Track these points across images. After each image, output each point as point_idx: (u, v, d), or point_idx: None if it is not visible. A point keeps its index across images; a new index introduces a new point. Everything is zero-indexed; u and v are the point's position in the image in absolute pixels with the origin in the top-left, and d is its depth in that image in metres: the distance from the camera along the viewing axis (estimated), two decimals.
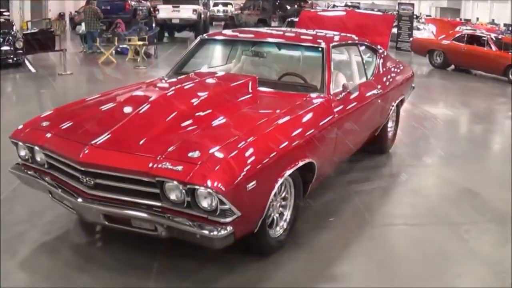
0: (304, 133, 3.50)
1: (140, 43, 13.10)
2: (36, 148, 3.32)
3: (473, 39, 14.26)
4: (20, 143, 3.42)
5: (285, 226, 3.52)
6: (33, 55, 11.64)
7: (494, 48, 13.46)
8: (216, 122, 3.38)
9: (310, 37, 4.76)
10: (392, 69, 5.97)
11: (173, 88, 3.84)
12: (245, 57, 5.19)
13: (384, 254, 3.67)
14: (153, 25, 17.63)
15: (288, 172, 3.23)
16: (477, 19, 40.88)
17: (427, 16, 36.18)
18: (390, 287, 3.25)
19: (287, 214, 3.55)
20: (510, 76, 12.86)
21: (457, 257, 3.72)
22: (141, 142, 3.04)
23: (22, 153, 3.47)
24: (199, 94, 3.71)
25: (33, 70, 11.11)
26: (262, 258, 3.40)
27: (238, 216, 2.80)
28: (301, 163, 3.36)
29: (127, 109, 3.51)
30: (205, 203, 2.76)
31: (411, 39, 17.69)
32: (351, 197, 4.64)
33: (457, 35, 14.86)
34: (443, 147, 6.72)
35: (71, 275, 3.19)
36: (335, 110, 4.06)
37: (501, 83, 13.13)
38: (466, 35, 14.65)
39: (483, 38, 14.07)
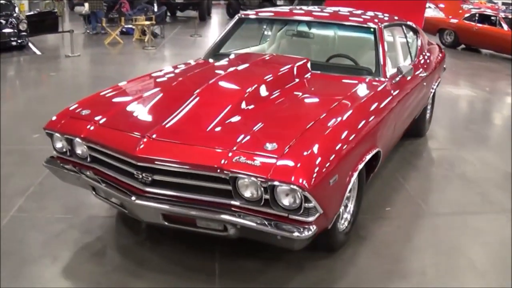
0: (372, 122, 3.26)
1: (148, 23, 12.68)
2: (78, 140, 3.00)
3: (484, 19, 13.98)
4: (57, 135, 3.10)
5: (349, 218, 3.30)
6: (33, 37, 11.22)
7: (506, 27, 13.20)
8: (280, 110, 3.12)
9: (360, 18, 4.47)
10: (430, 50, 5.72)
11: (226, 72, 3.56)
12: (283, 38, 4.90)
13: (449, 245, 3.47)
14: (155, 4, 17.12)
15: (362, 164, 2.99)
16: None
17: None
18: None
19: (351, 206, 3.32)
20: None
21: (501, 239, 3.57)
22: (203, 133, 2.78)
23: (59, 145, 3.15)
24: (256, 78, 3.43)
25: (38, 52, 10.72)
26: (330, 255, 3.18)
27: (320, 213, 2.56)
28: (372, 153, 3.13)
29: (178, 97, 3.21)
30: (286, 201, 2.50)
31: None
32: (400, 184, 4.44)
33: (467, 15, 14.56)
34: (477, 130, 6.52)
35: (123, 281, 2.89)
36: (394, 94, 3.82)
37: (507, 61, 12.93)
38: (476, 14, 14.35)
39: (494, 17, 13.80)
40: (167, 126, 2.84)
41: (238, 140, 2.68)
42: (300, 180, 2.41)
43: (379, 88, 3.70)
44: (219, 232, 2.73)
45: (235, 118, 2.94)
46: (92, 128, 2.99)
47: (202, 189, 2.67)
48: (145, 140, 2.72)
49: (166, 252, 3.17)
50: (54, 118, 3.20)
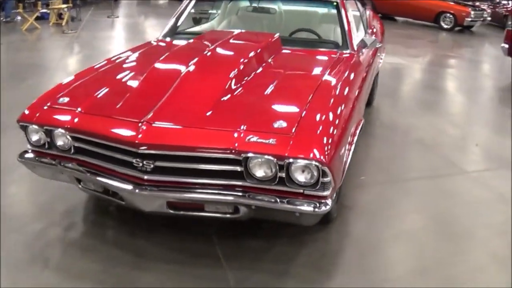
0: (357, 94, 3.32)
1: (64, 6, 11.92)
2: (60, 130, 2.78)
3: None
4: (34, 126, 2.86)
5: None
6: None
7: None
8: (272, 87, 3.07)
9: None
10: (375, 20, 5.91)
11: (206, 53, 3.44)
12: (236, 13, 4.81)
13: (432, 209, 3.64)
14: None
15: (357, 135, 3.05)
16: None
17: None
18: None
19: None
20: (441, 23, 13.46)
21: (490, 202, 3.80)
22: (207, 114, 2.69)
23: (35, 137, 2.91)
24: (238, 57, 3.35)
25: None
26: (324, 227, 3.23)
27: (333, 187, 2.58)
28: (361, 124, 3.20)
29: (163, 79, 3.08)
30: (301, 177, 2.48)
31: None
32: (365, 152, 4.57)
33: None
34: (418, 97, 6.90)
35: (128, 275, 2.75)
36: (363, 65, 3.91)
37: (433, 29, 13.73)
38: None
39: None
40: (162, 110, 2.71)
41: (243, 120, 2.62)
42: (318, 155, 2.40)
43: (352, 61, 3.76)
44: (228, 215, 2.68)
45: (229, 98, 2.86)
46: (77, 117, 2.78)
47: (207, 173, 2.59)
48: (143, 125, 2.57)
49: (162, 241, 3.05)
50: (26, 110, 2.93)
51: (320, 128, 2.58)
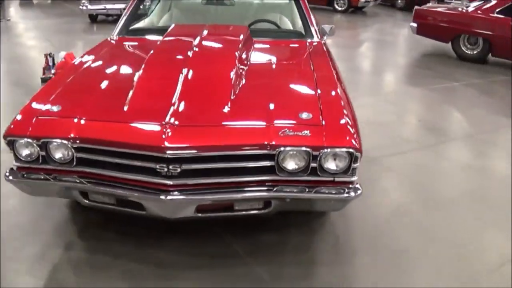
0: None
1: None
2: (62, 141, 2.53)
3: None
4: (26, 140, 2.57)
5: None
6: None
7: None
8: (272, 79, 3.08)
9: None
10: None
11: (194, 48, 3.34)
12: (183, 6, 4.69)
13: (409, 184, 3.90)
14: None
15: None
16: None
17: None
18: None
19: None
20: (335, 5, 14.19)
21: (457, 172, 4.17)
22: (226, 111, 2.63)
23: (26, 152, 2.62)
24: (227, 52, 3.31)
25: None
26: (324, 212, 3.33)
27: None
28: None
29: (163, 77, 2.99)
30: (333, 165, 2.54)
31: None
32: None
33: None
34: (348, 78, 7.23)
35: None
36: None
37: (327, 12, 14.40)
38: None
39: None
40: (180, 110, 2.59)
41: (266, 114, 2.61)
42: (354, 142, 2.49)
43: (324, 48, 3.88)
44: (258, 211, 2.66)
45: (239, 93, 2.82)
46: (80, 125, 2.57)
47: (234, 171, 2.54)
48: (168, 128, 2.45)
49: (175, 248, 2.93)
50: (13, 124, 2.64)
51: (344, 116, 2.66)
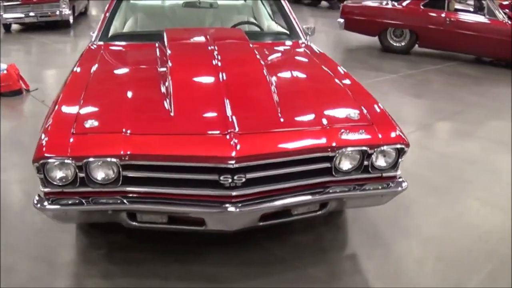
0: None
1: None
2: (109, 160, 2.33)
3: None
4: (64, 161, 2.33)
5: None
6: None
7: None
8: (296, 80, 3.12)
9: None
10: None
11: (215, 51, 3.26)
12: (142, 13, 4.53)
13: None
14: None
15: None
16: None
17: None
18: None
19: None
20: None
21: (438, 160, 4.44)
22: (279, 115, 2.60)
23: (60, 175, 2.38)
24: (250, 54, 3.30)
25: None
26: None
27: None
28: None
29: (200, 84, 2.95)
30: (382, 162, 2.60)
31: None
32: None
33: None
34: None
35: None
36: None
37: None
38: None
39: None
40: (237, 118, 2.50)
41: (317, 116, 2.63)
42: (404, 138, 2.59)
43: (315, 47, 3.95)
44: (314, 213, 2.68)
45: (281, 97, 2.79)
46: (131, 140, 2.39)
47: (293, 175, 2.52)
48: (234, 138, 2.37)
49: (216, 260, 2.83)
50: (45, 147, 2.37)
51: (384, 112, 2.77)
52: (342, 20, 9.27)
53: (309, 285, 2.67)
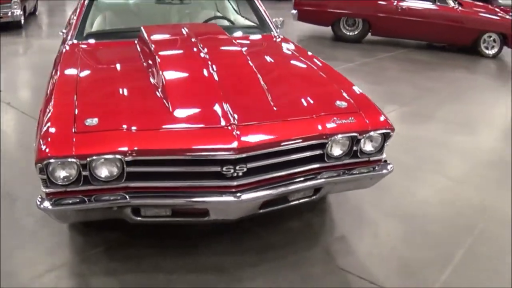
0: None
1: None
2: (115, 156, 2.37)
3: None
4: (67, 161, 2.34)
5: None
6: None
7: None
8: (280, 72, 3.24)
9: None
10: None
11: (199, 45, 3.33)
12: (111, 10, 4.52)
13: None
14: None
15: None
16: None
17: None
18: None
19: None
20: None
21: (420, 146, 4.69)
22: (272, 106, 2.72)
23: (64, 174, 2.39)
24: (231, 49, 3.40)
25: None
26: None
27: None
28: None
29: (193, 79, 3.00)
30: (369, 147, 2.77)
31: None
32: None
33: None
34: None
35: None
36: None
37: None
38: None
39: None
40: (236, 110, 2.61)
41: (309, 105, 2.77)
42: (390, 123, 2.77)
43: (290, 40, 4.08)
44: (308, 199, 2.83)
45: (270, 88, 2.90)
46: (135, 136, 2.45)
47: (288, 163, 2.65)
48: (236, 130, 2.48)
49: (217, 250, 2.91)
50: (47, 146, 2.38)
51: (368, 100, 2.95)
52: (295, 12, 9.45)
53: (309, 267, 2.81)
